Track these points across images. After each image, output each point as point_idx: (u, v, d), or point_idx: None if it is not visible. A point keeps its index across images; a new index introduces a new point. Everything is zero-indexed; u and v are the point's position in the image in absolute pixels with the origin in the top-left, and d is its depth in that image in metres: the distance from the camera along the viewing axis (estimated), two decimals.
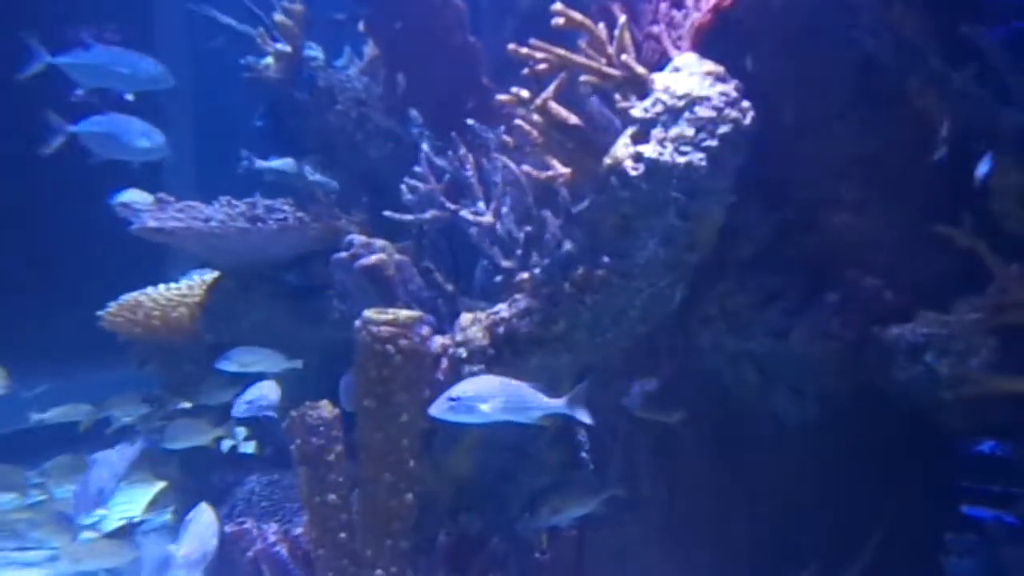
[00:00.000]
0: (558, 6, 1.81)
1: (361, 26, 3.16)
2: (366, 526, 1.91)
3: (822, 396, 2.02)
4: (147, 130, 2.96)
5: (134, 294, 3.10)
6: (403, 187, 2.23)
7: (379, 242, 2.24)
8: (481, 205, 2.14)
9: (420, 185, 2.15)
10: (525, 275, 1.99)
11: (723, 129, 1.79)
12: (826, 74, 1.94)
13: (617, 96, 1.87)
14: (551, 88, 1.82)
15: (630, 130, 1.83)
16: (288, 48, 3.18)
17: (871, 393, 1.95)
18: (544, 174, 1.97)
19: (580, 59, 1.82)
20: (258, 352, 2.62)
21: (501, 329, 1.93)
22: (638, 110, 1.82)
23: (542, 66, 1.81)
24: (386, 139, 3.17)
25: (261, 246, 2.80)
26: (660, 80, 1.83)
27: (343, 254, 2.20)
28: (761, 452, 2.11)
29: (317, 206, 2.88)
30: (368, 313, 1.93)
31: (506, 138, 1.97)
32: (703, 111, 1.79)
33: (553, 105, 1.83)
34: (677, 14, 2.04)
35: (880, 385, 1.96)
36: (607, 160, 1.82)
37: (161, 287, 3.19)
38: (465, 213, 2.11)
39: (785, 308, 2.07)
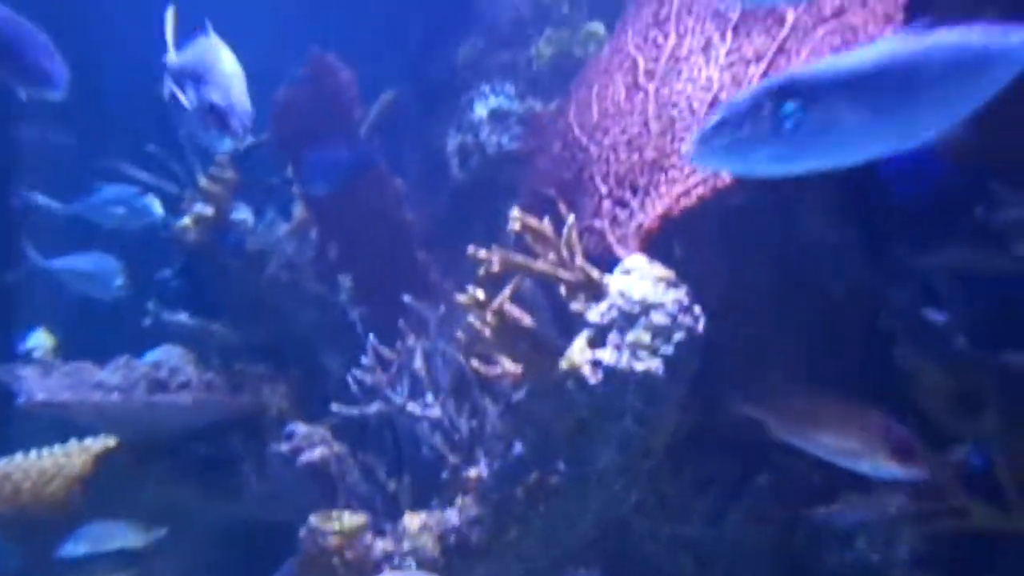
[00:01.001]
0: (516, 212, 1.82)
1: (295, 191, 3.14)
2: None
3: None
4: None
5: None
6: (348, 379, 2.16)
7: (318, 431, 2.14)
8: (429, 397, 2.08)
9: (367, 378, 2.09)
10: (473, 472, 1.93)
11: (678, 336, 1.80)
12: (756, 266, 2.01)
13: (570, 298, 1.87)
14: (507, 291, 1.81)
15: (585, 333, 1.83)
16: (211, 212, 3.11)
17: None
18: (493, 371, 1.94)
19: (537, 265, 1.83)
20: (112, 527, 2.43)
21: (452, 538, 1.84)
22: (594, 314, 1.83)
23: (497, 268, 1.81)
24: (315, 306, 3.11)
25: (170, 419, 2.65)
26: (615, 284, 1.84)
27: (283, 447, 2.09)
28: None
29: (239, 376, 2.77)
30: (314, 521, 1.82)
31: (459, 335, 1.94)
32: (658, 318, 1.80)
33: (508, 307, 1.82)
34: (620, 212, 2.09)
35: (813, 569, 1.96)
36: (563, 364, 1.81)
37: (32, 454, 2.93)
38: (413, 407, 2.05)
39: (720, 492, 2.07)
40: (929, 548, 1.93)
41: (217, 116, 1.58)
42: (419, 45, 3.15)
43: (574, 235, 1.91)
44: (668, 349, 1.79)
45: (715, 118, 1.16)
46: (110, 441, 2.83)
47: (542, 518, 1.82)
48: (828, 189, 1.94)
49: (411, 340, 2.14)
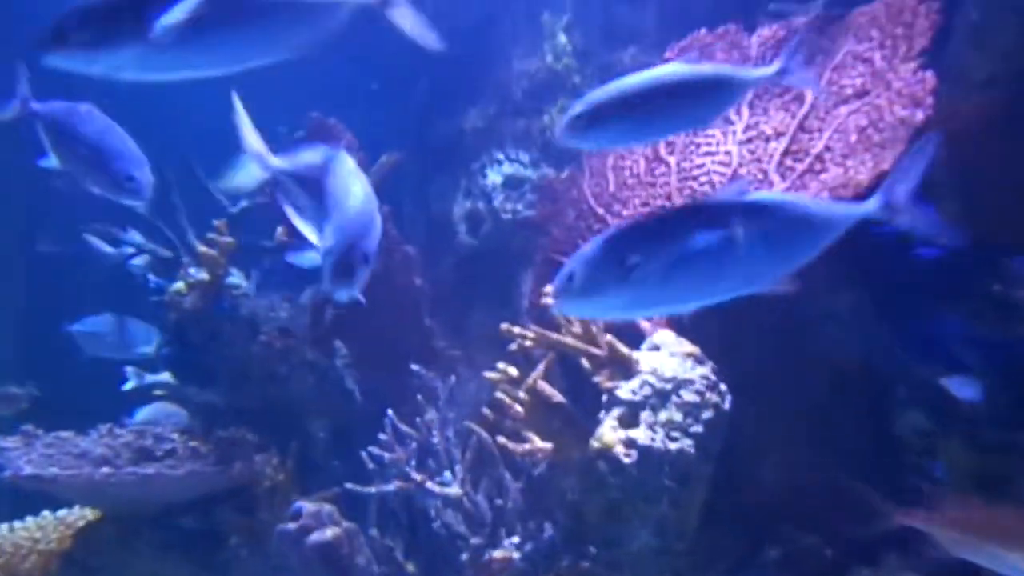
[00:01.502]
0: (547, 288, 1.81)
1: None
2: None
3: None
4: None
5: None
6: (364, 456, 2.11)
7: (325, 508, 2.08)
8: (448, 475, 2.04)
9: (385, 454, 2.04)
10: (499, 554, 1.88)
11: (707, 414, 1.79)
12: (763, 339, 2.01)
13: (597, 374, 1.85)
14: (540, 368, 1.79)
15: (616, 411, 1.81)
16: (207, 277, 3.05)
17: None
18: (522, 448, 1.91)
19: (567, 340, 1.81)
20: None
21: None
22: (625, 391, 1.81)
23: (530, 344, 1.79)
24: (310, 372, 3.05)
25: (161, 492, 2.57)
26: (645, 361, 1.83)
27: (290, 526, 2.03)
28: None
29: (227, 444, 2.70)
30: None
31: (486, 411, 1.91)
32: (689, 395, 1.79)
33: (541, 384, 1.79)
34: None
35: None
36: (594, 443, 1.78)
37: (3, 527, 2.80)
38: (432, 485, 2.00)
39: (727, 568, 2.04)
40: None
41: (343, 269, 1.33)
42: (420, 108, 3.14)
43: None
44: (698, 428, 1.77)
45: (568, 268, 1.27)
46: (89, 514, 2.73)
47: None
48: (834, 262, 1.96)
49: (430, 414, 2.10)
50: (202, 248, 2.96)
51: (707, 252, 1.21)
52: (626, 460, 1.74)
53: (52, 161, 1.69)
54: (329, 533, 1.97)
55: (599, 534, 1.78)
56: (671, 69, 1.36)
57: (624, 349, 1.85)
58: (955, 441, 1.92)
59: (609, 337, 1.85)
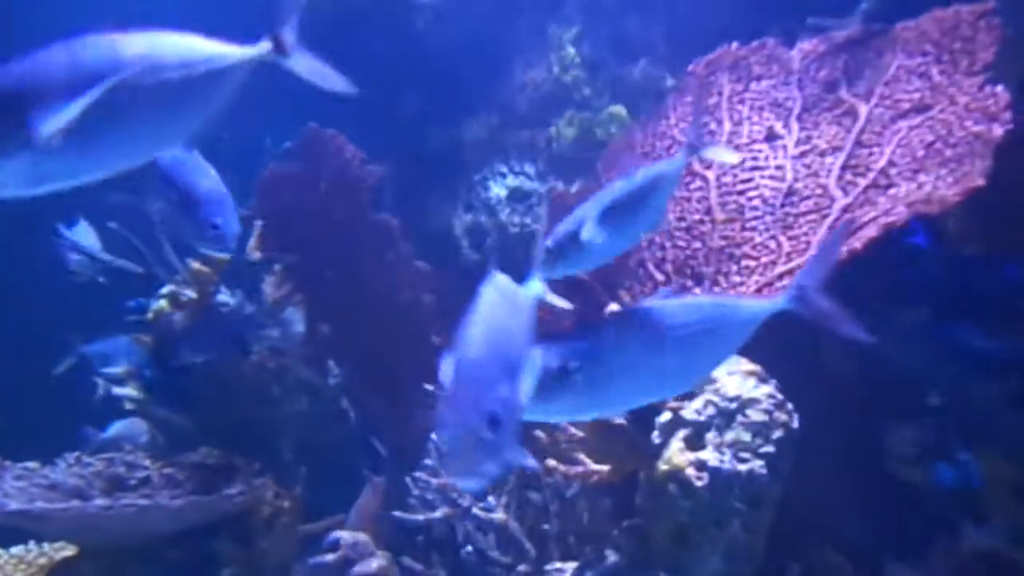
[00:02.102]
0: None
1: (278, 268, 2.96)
2: None
3: None
4: None
5: None
6: (408, 483, 2.00)
7: (361, 537, 1.97)
8: (491, 500, 1.94)
9: (432, 480, 1.93)
10: None
11: (777, 434, 1.74)
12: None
13: None
14: None
15: (681, 433, 1.75)
16: (195, 295, 2.89)
17: None
18: (574, 471, 1.83)
19: None
20: None
21: None
22: (689, 411, 1.75)
23: None
24: (305, 392, 2.92)
25: (154, 524, 2.41)
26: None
27: (328, 558, 1.90)
28: None
29: (216, 471, 2.56)
30: None
31: (539, 433, 1.82)
32: (755, 415, 1.74)
33: None
34: None
35: None
36: (662, 466, 1.71)
37: None
38: (476, 510, 1.91)
39: None
40: None
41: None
42: (414, 118, 3.05)
43: None
44: (769, 448, 1.73)
45: None
46: (67, 550, 2.56)
47: None
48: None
49: None
50: (195, 265, 2.81)
51: (639, 357, 1.29)
52: (698, 484, 1.68)
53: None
54: (375, 565, 1.85)
55: (669, 559, 1.71)
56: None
57: None
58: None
59: None
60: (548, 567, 1.86)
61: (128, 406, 2.89)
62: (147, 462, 2.68)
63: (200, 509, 2.45)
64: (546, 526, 1.90)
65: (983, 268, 1.94)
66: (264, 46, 1.21)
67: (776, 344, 1.87)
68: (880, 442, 1.97)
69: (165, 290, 2.94)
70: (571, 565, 1.81)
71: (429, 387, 2.40)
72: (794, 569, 1.99)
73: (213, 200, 1.56)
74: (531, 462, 1.09)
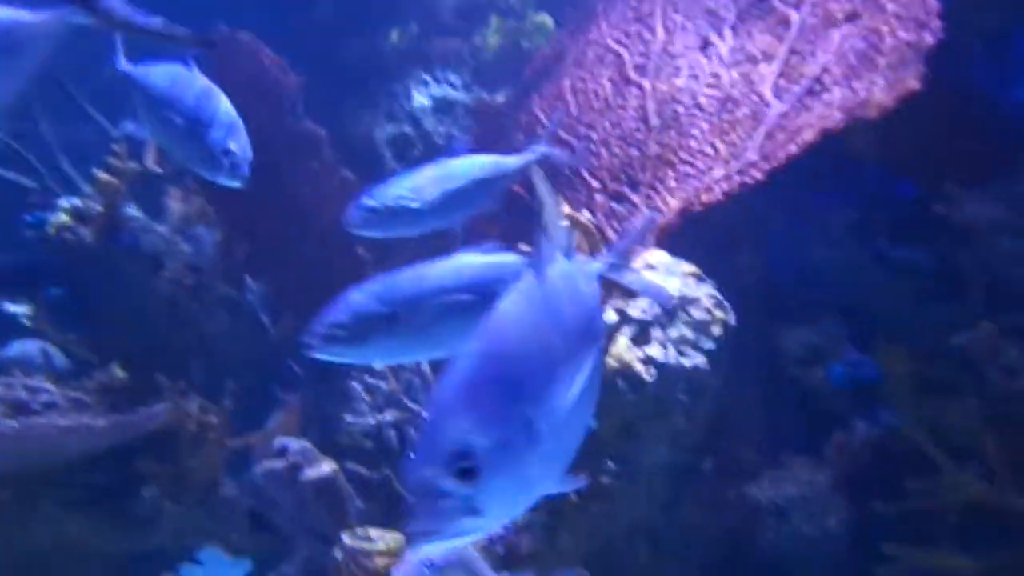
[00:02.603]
0: (567, 209, 1.77)
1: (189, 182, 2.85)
2: None
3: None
4: None
5: None
6: (357, 388, 1.99)
7: (307, 445, 1.96)
8: None
9: (381, 384, 1.94)
10: None
11: (716, 331, 1.83)
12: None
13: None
14: None
15: (627, 330, 1.81)
16: (101, 208, 2.75)
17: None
18: None
19: None
20: None
21: (500, 548, 1.76)
22: (635, 310, 1.81)
23: None
24: (223, 309, 2.84)
25: (77, 444, 2.34)
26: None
27: (277, 464, 1.89)
28: None
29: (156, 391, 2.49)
30: (350, 541, 1.67)
31: None
32: (697, 313, 1.82)
33: None
34: (618, 207, 2.08)
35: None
36: (610, 361, 1.77)
37: None
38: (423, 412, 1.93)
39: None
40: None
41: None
42: (328, 26, 2.94)
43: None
44: (709, 344, 1.81)
45: (334, 314, 1.37)
46: None
47: (592, 520, 1.78)
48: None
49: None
50: (102, 175, 2.67)
51: (462, 306, 1.32)
52: (647, 378, 1.75)
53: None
54: (326, 468, 1.86)
55: (615, 450, 1.78)
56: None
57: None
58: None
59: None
60: None
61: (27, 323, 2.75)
62: (50, 386, 2.57)
63: (125, 428, 2.38)
64: None
65: (885, 182, 2.05)
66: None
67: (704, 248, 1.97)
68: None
69: (66, 204, 2.79)
70: None
71: None
72: (708, 462, 2.11)
73: (224, 124, 1.48)
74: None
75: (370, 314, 1.32)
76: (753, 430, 2.13)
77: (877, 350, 2.00)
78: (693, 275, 1.88)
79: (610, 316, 1.83)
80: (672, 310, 1.81)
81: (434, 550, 1.46)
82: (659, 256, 1.92)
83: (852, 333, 2.11)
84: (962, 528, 1.81)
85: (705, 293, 1.85)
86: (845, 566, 1.92)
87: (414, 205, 1.54)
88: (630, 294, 1.83)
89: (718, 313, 1.84)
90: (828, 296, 2.13)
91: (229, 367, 2.81)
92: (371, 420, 1.91)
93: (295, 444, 1.93)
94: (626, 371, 1.75)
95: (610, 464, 1.78)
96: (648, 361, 1.75)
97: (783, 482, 2.07)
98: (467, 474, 0.75)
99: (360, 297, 1.36)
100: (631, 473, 1.78)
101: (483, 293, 1.32)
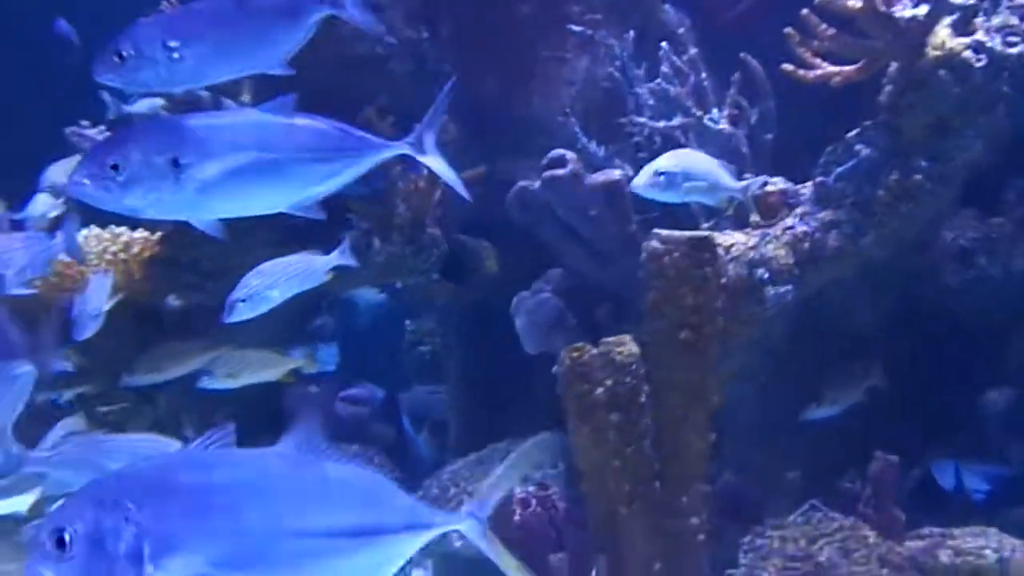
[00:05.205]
0: None
1: None
2: (673, 473, 1.67)
3: None
4: None
5: None
6: (645, 92, 1.91)
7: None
8: (716, 112, 1.91)
9: (670, 88, 1.86)
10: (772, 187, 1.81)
11: None
12: None
13: None
14: None
15: (947, 19, 1.70)
16: None
17: None
18: (815, 74, 1.78)
19: None
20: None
21: (806, 245, 1.74)
22: None
23: None
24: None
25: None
26: None
27: (558, 172, 1.84)
28: None
29: None
30: (664, 232, 1.64)
31: (789, 31, 1.74)
32: None
33: None
34: None
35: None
36: (933, 52, 1.68)
37: None
38: (707, 121, 1.88)
39: None
40: None
41: None
42: None
43: None
44: None
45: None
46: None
47: (900, 220, 1.74)
48: None
49: (692, 50, 1.93)
50: None
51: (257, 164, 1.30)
52: (977, 65, 1.66)
53: None
54: (616, 173, 1.82)
55: (928, 148, 1.72)
56: None
57: None
58: None
59: None
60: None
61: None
62: None
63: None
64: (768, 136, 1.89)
65: None
66: None
67: None
68: None
69: None
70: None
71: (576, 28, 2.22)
72: None
73: None
74: None
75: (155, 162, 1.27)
76: None
77: None
78: None
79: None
80: None
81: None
82: None
83: None
84: None
85: None
86: None
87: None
88: None
89: None
90: None
91: None
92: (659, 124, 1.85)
93: (567, 152, 1.87)
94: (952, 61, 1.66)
95: (922, 163, 1.72)
96: (979, 48, 1.65)
97: None
98: None
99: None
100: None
101: None
